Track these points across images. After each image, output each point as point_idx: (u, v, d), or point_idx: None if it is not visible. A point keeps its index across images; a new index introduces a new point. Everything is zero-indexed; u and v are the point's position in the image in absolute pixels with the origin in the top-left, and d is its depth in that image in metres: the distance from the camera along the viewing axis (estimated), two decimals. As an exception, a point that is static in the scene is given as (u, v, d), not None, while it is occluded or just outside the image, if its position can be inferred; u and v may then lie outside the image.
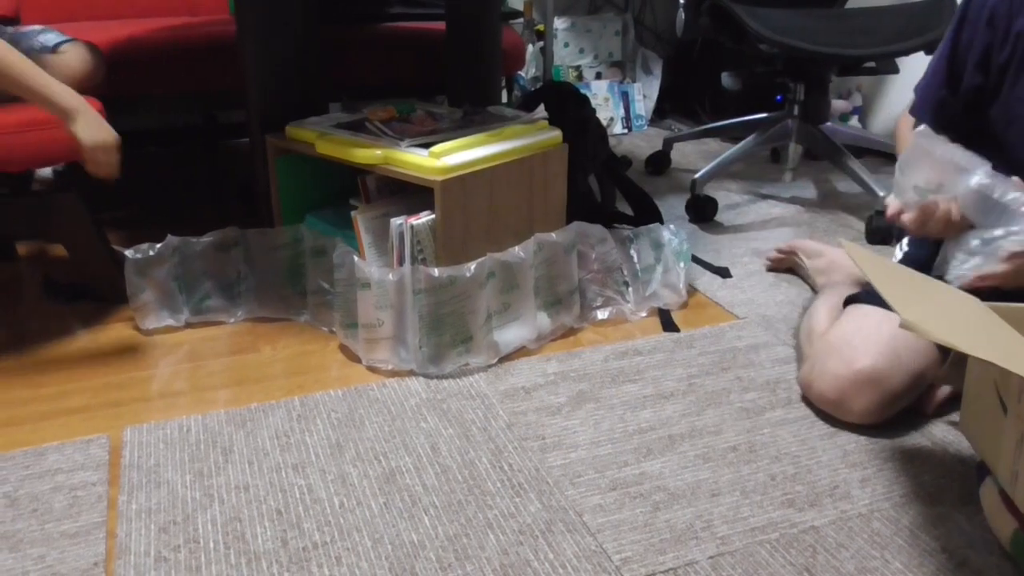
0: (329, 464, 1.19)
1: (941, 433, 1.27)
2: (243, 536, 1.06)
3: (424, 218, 1.36)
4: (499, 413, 1.31)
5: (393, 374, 1.43)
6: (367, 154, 1.42)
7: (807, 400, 1.32)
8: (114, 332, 1.59)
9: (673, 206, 2.23)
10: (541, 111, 1.54)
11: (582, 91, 2.92)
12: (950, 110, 1.30)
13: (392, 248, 1.39)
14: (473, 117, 1.58)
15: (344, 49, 2.06)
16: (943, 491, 1.14)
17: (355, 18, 2.25)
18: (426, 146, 1.39)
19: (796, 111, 2.15)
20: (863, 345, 1.24)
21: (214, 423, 1.29)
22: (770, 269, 1.83)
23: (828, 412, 1.28)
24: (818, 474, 1.17)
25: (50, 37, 1.57)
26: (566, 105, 1.78)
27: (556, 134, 1.54)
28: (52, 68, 1.49)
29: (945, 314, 0.92)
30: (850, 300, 1.37)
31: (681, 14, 2.11)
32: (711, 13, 2.01)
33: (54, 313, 1.67)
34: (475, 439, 1.25)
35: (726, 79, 2.79)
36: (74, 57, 1.54)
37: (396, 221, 1.37)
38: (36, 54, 1.53)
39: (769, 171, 2.56)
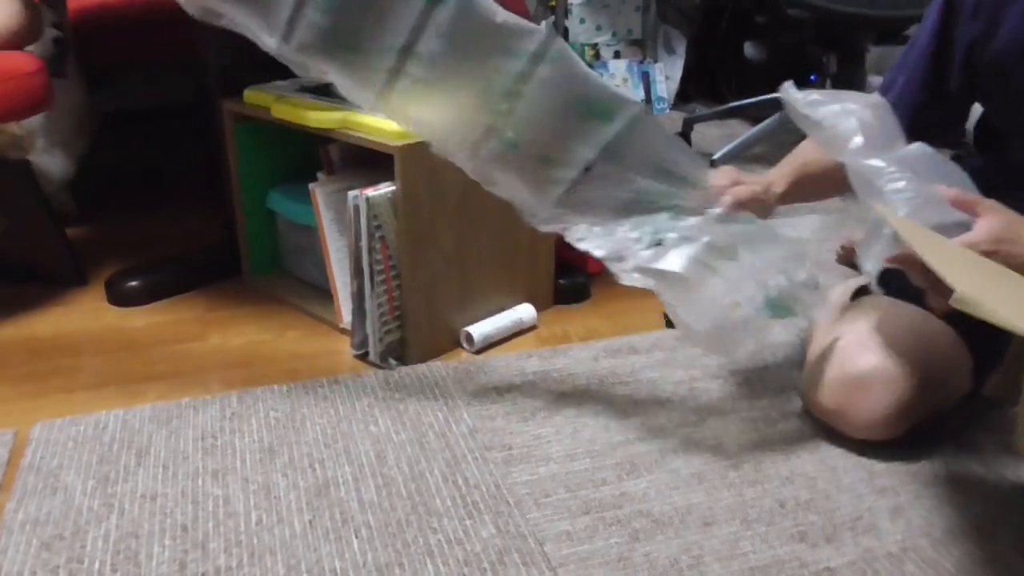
0: (255, 472, 1.02)
1: (994, 454, 1.05)
2: (136, 557, 0.88)
3: (383, 190, 1.18)
4: (463, 416, 1.12)
5: (352, 367, 1.25)
6: (323, 117, 1.24)
7: (809, 412, 1.12)
8: (54, 316, 1.43)
9: (690, 192, 2.02)
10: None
11: (598, 70, 2.73)
12: (930, 118, 1.09)
13: (349, 224, 1.21)
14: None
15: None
16: (996, 525, 0.93)
17: None
18: (390, 108, 1.21)
19: (828, 84, 1.93)
20: (866, 343, 1.03)
21: (135, 420, 1.12)
22: (840, 261, 1.61)
23: (830, 425, 1.07)
24: (838, 501, 0.97)
25: None
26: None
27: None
28: None
29: (1009, 296, 0.74)
30: (859, 293, 1.16)
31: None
32: (735, -25, 1.81)
33: (-4, 294, 1.51)
34: (430, 447, 1.06)
35: (749, 49, 2.57)
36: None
37: (352, 194, 1.18)
38: None
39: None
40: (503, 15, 0.98)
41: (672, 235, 1.02)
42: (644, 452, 1.05)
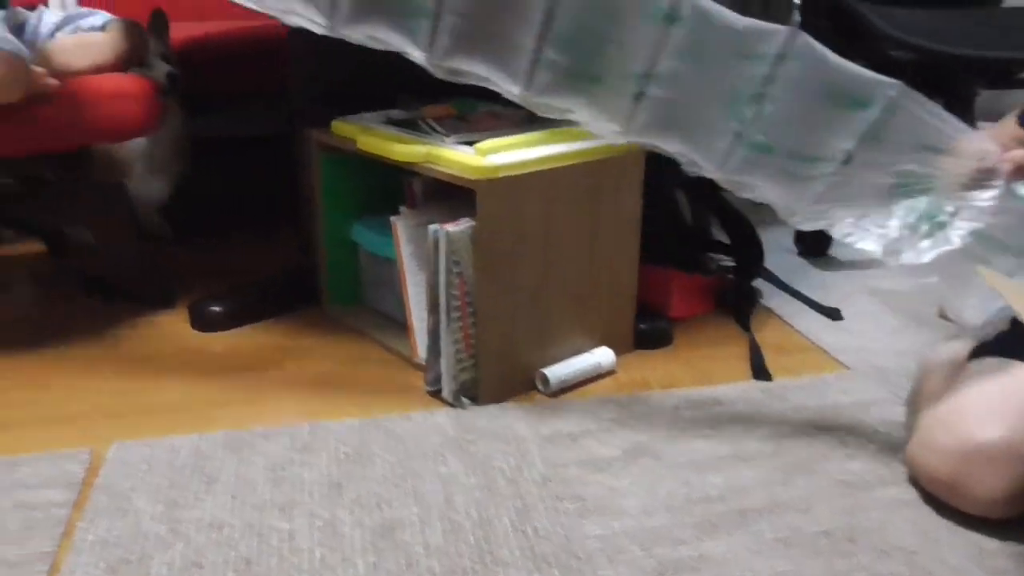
0: (321, 507, 1.00)
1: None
2: (197, 588, 0.87)
3: (463, 225, 1.16)
4: (535, 462, 1.08)
5: (424, 404, 1.23)
6: (408, 150, 1.23)
7: (914, 480, 1.04)
8: (139, 337, 1.45)
9: (780, 237, 1.94)
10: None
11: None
12: None
13: (428, 258, 1.19)
14: (541, 118, 1.37)
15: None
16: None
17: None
18: (474, 143, 1.20)
19: (933, 133, 1.84)
20: (988, 410, 0.95)
21: (208, 445, 1.12)
22: (942, 315, 1.52)
23: (942, 498, 0.99)
24: (938, 578, 0.89)
25: (96, 19, 1.48)
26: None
27: (632, 136, 1.31)
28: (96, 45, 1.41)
29: None
30: (977, 352, 1.08)
31: (796, 17, 1.84)
32: (830, 14, 1.75)
33: (89, 312, 1.55)
34: (500, 492, 1.02)
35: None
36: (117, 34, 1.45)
37: (432, 227, 1.17)
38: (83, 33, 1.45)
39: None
40: (743, 20, 0.96)
41: (946, 219, 0.96)
42: (725, 512, 0.99)
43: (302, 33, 1.04)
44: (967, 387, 1.00)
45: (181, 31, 1.99)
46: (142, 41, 1.48)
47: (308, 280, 1.55)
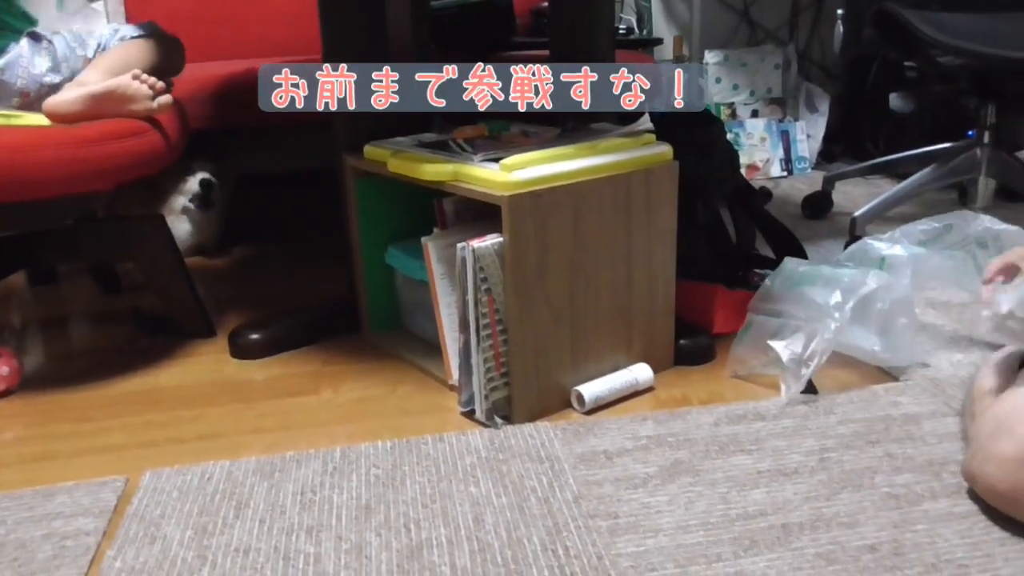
0: (349, 530, 0.98)
1: None
2: (221, 612, 0.86)
3: (489, 241, 1.15)
4: (568, 481, 1.05)
5: (458, 426, 1.21)
6: (435, 169, 1.22)
7: (975, 494, 0.98)
8: (179, 367, 1.47)
9: (831, 252, 1.89)
10: (646, 122, 1.29)
11: (733, 129, 2.65)
12: None
13: (458, 277, 1.18)
14: (571, 135, 1.36)
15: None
16: None
17: (480, 45, 2.11)
18: (501, 160, 1.19)
19: (986, 138, 1.77)
20: None
21: (240, 472, 1.12)
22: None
23: (1001, 510, 0.93)
24: (994, 595, 0.83)
25: (128, 30, 1.52)
26: (691, 125, 1.53)
27: (664, 149, 1.28)
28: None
29: None
30: None
31: (839, 27, 1.80)
32: (876, 22, 1.70)
33: (133, 346, 1.57)
34: (531, 512, 1.00)
35: (895, 101, 2.42)
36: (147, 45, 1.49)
37: (460, 245, 1.16)
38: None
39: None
40: None
41: None
42: (766, 527, 0.94)
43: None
44: (1021, 393, 0.94)
45: (221, 68, 2.05)
46: (174, 49, 1.53)
47: (349, 307, 1.55)
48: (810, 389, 1.26)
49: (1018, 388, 0.96)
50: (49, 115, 1.34)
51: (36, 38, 1.47)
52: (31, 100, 1.45)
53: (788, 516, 0.96)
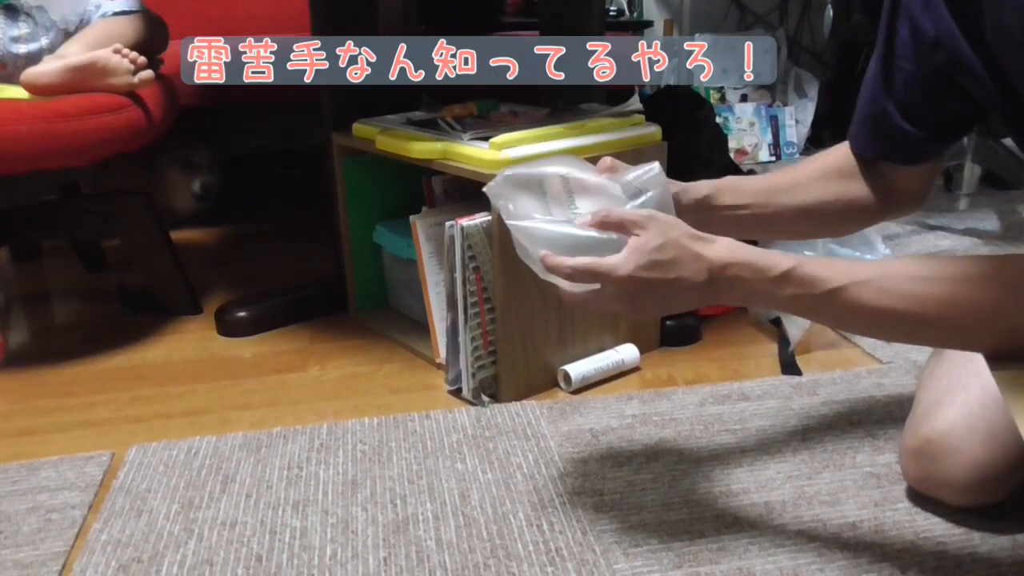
0: (335, 504, 0.98)
1: None
2: (207, 585, 0.86)
3: (478, 219, 1.15)
4: (554, 459, 1.06)
5: (446, 403, 1.22)
6: (424, 147, 1.22)
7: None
8: (165, 344, 1.47)
9: (817, 236, 1.90)
10: (635, 103, 1.30)
11: (722, 113, 2.65)
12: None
13: (445, 255, 1.18)
14: (561, 115, 1.36)
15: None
16: None
17: (469, 26, 2.10)
18: (490, 138, 1.18)
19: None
20: (936, 402, 0.92)
21: (226, 447, 1.12)
22: None
23: (933, 497, 0.94)
24: (972, 573, 0.84)
25: (110, 5, 1.50)
26: (679, 106, 1.53)
27: (652, 130, 1.29)
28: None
29: None
30: None
31: (829, 12, 1.81)
32: (866, 7, 1.71)
33: (118, 322, 1.57)
34: (516, 488, 1.00)
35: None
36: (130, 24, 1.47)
37: (448, 223, 1.16)
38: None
39: (939, 198, 2.17)
40: None
41: None
42: (748, 505, 0.95)
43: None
44: (930, 383, 0.96)
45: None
46: (158, 29, 1.52)
47: (336, 286, 1.55)
48: (794, 370, 1.27)
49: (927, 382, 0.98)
50: (27, 87, 1.33)
51: (13, 10, 1.45)
52: (8, 72, 1.43)
53: (771, 494, 0.97)
